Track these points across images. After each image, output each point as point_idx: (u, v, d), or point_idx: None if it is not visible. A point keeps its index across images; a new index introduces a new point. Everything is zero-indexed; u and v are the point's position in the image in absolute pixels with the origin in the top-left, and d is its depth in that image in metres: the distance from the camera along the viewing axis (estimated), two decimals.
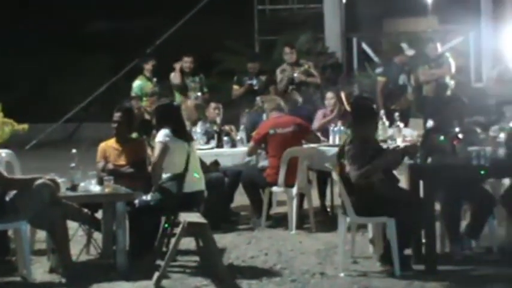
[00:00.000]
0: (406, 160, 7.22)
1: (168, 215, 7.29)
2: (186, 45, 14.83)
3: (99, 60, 20.63)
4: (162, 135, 7.26)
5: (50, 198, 6.60)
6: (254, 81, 11.78)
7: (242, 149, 9.30)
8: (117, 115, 7.84)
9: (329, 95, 10.15)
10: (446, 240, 7.32)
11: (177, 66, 11.92)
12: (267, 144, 8.96)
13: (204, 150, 9.07)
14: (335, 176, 7.07)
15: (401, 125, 9.66)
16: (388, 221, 6.73)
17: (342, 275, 6.80)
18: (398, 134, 9.27)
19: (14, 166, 8.96)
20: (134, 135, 8.45)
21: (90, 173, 7.30)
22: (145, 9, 21.93)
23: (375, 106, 7.56)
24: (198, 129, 9.55)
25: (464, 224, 7.44)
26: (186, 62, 11.85)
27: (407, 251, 6.93)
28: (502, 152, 7.13)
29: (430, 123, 9.34)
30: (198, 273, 7.00)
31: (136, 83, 11.83)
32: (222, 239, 8.06)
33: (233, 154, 9.27)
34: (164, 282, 6.65)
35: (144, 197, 7.17)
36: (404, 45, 12.21)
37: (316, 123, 10.02)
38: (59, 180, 6.89)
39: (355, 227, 7.33)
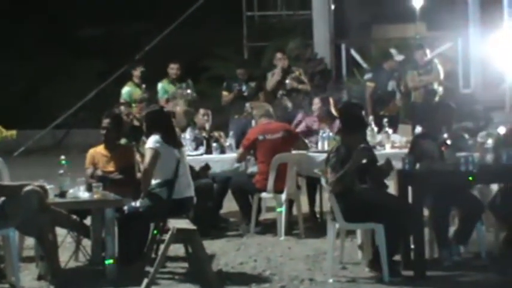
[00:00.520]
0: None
1: (157, 221, 7.29)
2: (175, 52, 14.86)
3: (89, 66, 20.61)
4: (152, 141, 7.25)
5: (38, 205, 6.58)
6: (243, 88, 11.78)
7: (231, 155, 9.30)
8: (106, 121, 7.83)
9: (315, 100, 10.15)
10: (435, 245, 7.33)
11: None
12: (256, 150, 8.96)
13: (193, 156, 9.07)
14: (324, 182, 7.08)
15: (390, 131, 9.69)
16: (377, 227, 6.75)
17: (330, 281, 6.80)
18: (387, 140, 9.28)
19: (2, 173, 8.90)
20: (123, 141, 8.45)
21: (79, 179, 7.29)
22: (135, 15, 21.94)
23: (363, 112, 7.58)
24: (187, 136, 9.54)
25: (452, 229, 7.46)
26: (172, 69, 11.82)
27: (396, 257, 6.94)
28: (489, 157, 7.16)
29: (418, 129, 9.36)
30: (187, 279, 6.99)
31: (126, 89, 11.81)
32: (211, 245, 8.06)
33: (222, 160, 9.26)
34: None
35: (133, 204, 7.17)
36: (393, 51, 12.26)
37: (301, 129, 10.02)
38: (48, 186, 6.87)
39: (344, 233, 7.34)
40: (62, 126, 18.68)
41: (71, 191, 7.07)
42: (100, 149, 7.87)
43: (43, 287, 6.80)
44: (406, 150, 8.24)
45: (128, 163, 7.79)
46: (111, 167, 7.75)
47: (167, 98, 11.62)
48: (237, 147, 9.39)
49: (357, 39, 18.09)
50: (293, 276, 7.03)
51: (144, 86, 11.87)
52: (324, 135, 9.34)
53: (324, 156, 7.86)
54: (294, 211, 9.07)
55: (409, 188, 7.07)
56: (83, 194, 7.06)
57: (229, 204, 9.51)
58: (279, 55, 11.96)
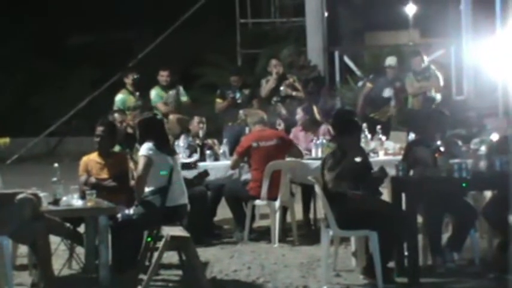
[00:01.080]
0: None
1: (150, 228, 7.28)
2: (169, 59, 14.86)
3: (82, 74, 20.60)
4: (145, 149, 7.25)
5: (32, 212, 6.57)
6: (237, 95, 11.78)
7: (225, 162, 9.29)
8: (99, 129, 7.83)
9: (297, 111, 10.15)
10: (428, 252, 7.34)
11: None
12: (249, 157, 8.96)
13: (186, 164, 9.05)
14: (317, 189, 7.08)
15: (384, 138, 9.70)
16: (371, 234, 6.75)
17: None
18: (381, 147, 9.30)
19: None
20: (117, 148, 8.44)
21: (73, 187, 7.27)
22: (129, 23, 21.95)
23: (357, 119, 7.60)
24: (180, 143, 9.54)
25: (446, 236, 7.47)
26: (162, 76, 11.81)
27: (390, 264, 6.94)
28: (483, 164, 7.17)
29: (412, 136, 9.37)
30: (180, 287, 6.99)
31: (119, 97, 11.79)
32: (204, 253, 8.05)
33: (216, 168, 9.26)
34: None
35: (126, 211, 7.16)
36: (390, 60, 12.30)
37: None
38: (41, 194, 6.86)
39: (338, 240, 7.34)
40: (55, 133, 18.65)
41: (64, 198, 7.06)
42: (94, 157, 7.86)
43: None
44: (399, 157, 8.26)
45: (122, 171, 7.78)
46: (104, 175, 7.75)
47: (164, 102, 11.63)
48: (231, 154, 9.38)
49: (350, 46, 18.13)
50: (287, 283, 7.03)
51: (137, 93, 11.86)
52: (318, 142, 9.35)
53: (318, 163, 7.88)
54: (288, 218, 9.07)
55: (403, 195, 7.08)
56: (77, 202, 7.05)
57: (223, 212, 9.50)
58: (274, 62, 11.97)
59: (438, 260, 7.22)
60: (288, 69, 13.88)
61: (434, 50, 16.88)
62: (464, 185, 6.97)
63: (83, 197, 7.11)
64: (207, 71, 18.19)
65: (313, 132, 9.67)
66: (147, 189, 7.24)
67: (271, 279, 7.18)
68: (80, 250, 7.36)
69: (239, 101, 11.75)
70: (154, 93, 11.76)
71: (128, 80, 11.77)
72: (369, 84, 12.29)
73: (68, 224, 7.08)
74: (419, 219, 7.28)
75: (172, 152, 7.49)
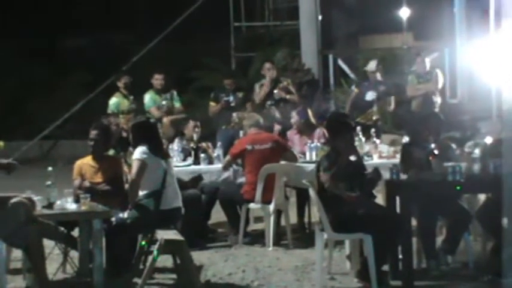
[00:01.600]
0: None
1: (145, 232, 7.27)
2: (163, 62, 14.84)
3: (76, 77, 20.56)
4: (139, 152, 7.25)
5: (25, 216, 6.55)
6: (231, 98, 11.79)
7: (219, 166, 9.29)
8: (93, 133, 7.82)
9: (292, 114, 10.16)
10: (422, 255, 7.35)
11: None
12: (244, 160, 8.96)
13: (181, 167, 9.06)
14: (312, 192, 7.08)
15: (378, 141, 9.71)
16: (365, 237, 6.75)
17: None
18: (375, 150, 9.31)
19: None
20: (111, 152, 8.43)
21: (67, 190, 7.26)
22: (123, 26, 21.94)
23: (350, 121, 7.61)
24: (175, 147, 9.55)
25: (440, 239, 7.48)
26: (157, 79, 11.80)
27: (385, 267, 6.95)
28: (477, 167, 7.18)
29: (406, 138, 9.38)
30: None
31: (113, 100, 11.79)
32: (199, 256, 8.05)
33: (210, 171, 9.27)
34: None
35: (120, 215, 7.15)
36: (371, 63, 12.32)
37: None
38: (35, 198, 6.84)
39: (332, 243, 7.35)
40: (49, 137, 18.58)
41: (58, 202, 7.04)
42: (88, 160, 7.85)
43: None
44: (393, 160, 8.28)
45: (116, 174, 7.77)
46: (98, 178, 7.74)
47: (157, 106, 11.63)
48: (225, 157, 9.38)
49: (344, 49, 18.14)
50: (281, 286, 7.04)
51: (131, 97, 11.86)
52: (312, 145, 9.35)
53: (312, 166, 7.88)
54: (282, 221, 9.07)
55: (397, 198, 7.08)
56: (71, 206, 7.04)
57: (217, 215, 9.50)
58: (267, 65, 11.97)
59: (432, 263, 7.23)
60: (282, 72, 13.90)
61: (428, 53, 16.90)
62: (458, 188, 6.98)
63: (77, 200, 7.10)
64: (201, 75, 18.18)
65: (308, 136, 9.68)
66: (141, 193, 7.24)
67: (265, 283, 7.18)
68: (74, 254, 7.35)
69: (233, 104, 11.76)
70: (148, 97, 11.76)
71: (121, 84, 11.78)
72: (355, 89, 12.34)
73: (62, 228, 7.07)
74: (414, 222, 7.28)
75: (166, 156, 7.49)
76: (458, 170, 6.88)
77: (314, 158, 9.11)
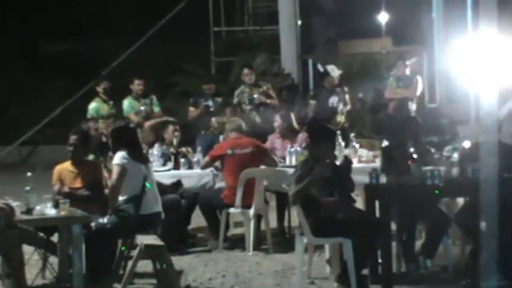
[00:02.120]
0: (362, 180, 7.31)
1: (124, 237, 7.26)
2: (143, 67, 14.82)
3: (55, 83, 20.49)
4: (119, 157, 7.24)
5: (4, 222, 6.53)
6: (210, 103, 11.80)
7: (199, 170, 9.29)
8: (73, 138, 7.80)
9: (276, 117, 10.17)
10: (402, 259, 7.38)
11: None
12: (224, 165, 8.96)
13: (161, 172, 9.05)
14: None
15: (357, 145, 9.74)
16: (345, 241, 6.77)
17: None
18: (354, 155, 9.34)
19: None
20: (90, 157, 8.41)
21: (46, 196, 7.24)
22: (102, 31, 21.89)
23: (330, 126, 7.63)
24: (154, 151, 9.53)
25: (419, 243, 7.51)
26: (139, 85, 11.79)
27: (364, 271, 6.96)
28: (455, 171, 7.22)
29: (385, 142, 9.42)
30: None
31: (93, 105, 11.76)
32: (179, 261, 8.03)
33: (190, 176, 9.26)
34: None
35: (100, 220, 7.13)
36: (329, 68, 12.31)
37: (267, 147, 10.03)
38: (14, 204, 6.81)
39: (312, 247, 7.36)
40: (28, 142, 18.50)
41: (37, 207, 7.01)
42: (67, 165, 7.82)
43: None
44: (373, 165, 8.31)
45: (95, 179, 7.75)
46: (78, 184, 7.71)
47: (135, 112, 11.61)
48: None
49: (323, 54, 18.21)
50: None
51: (111, 101, 11.84)
52: (292, 150, 9.37)
53: (292, 171, 7.90)
54: (262, 226, 9.08)
55: (377, 202, 7.11)
56: (50, 211, 7.01)
57: (197, 220, 9.50)
58: (246, 71, 11.99)
59: (411, 267, 7.26)
60: (261, 77, 13.92)
61: (407, 57, 16.99)
62: (437, 192, 7.01)
63: (56, 206, 7.07)
64: (181, 79, 18.17)
65: (291, 140, 9.67)
66: (120, 198, 7.23)
67: (245, 287, 7.18)
68: (54, 259, 7.32)
69: (212, 109, 11.77)
70: (126, 103, 11.74)
71: (100, 89, 11.75)
72: (312, 102, 12.19)
73: (41, 234, 7.04)
74: (393, 226, 7.32)
75: (145, 161, 7.48)
76: (437, 174, 6.91)
77: (294, 162, 9.13)
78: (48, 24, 21.74)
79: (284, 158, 9.43)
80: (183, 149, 9.65)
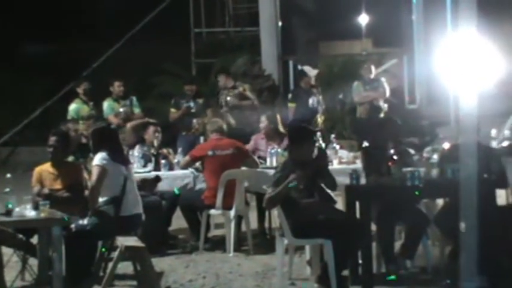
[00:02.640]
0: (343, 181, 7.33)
1: (105, 239, 7.24)
2: (124, 68, 14.77)
3: (35, 84, 20.39)
4: (99, 158, 7.22)
5: None
6: (191, 104, 11.80)
7: (180, 172, 9.28)
8: (52, 139, 7.77)
9: (262, 119, 10.19)
10: (382, 260, 7.40)
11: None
12: (204, 166, 8.96)
13: (141, 173, 9.04)
14: None
15: (338, 146, 9.76)
16: (325, 242, 6.78)
17: None
18: (335, 156, 9.36)
19: None
20: (70, 158, 8.38)
21: (25, 197, 7.20)
22: (82, 32, 21.80)
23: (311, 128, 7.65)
24: (135, 153, 9.51)
25: (399, 244, 7.54)
26: (119, 86, 11.77)
27: (345, 272, 6.98)
28: (435, 172, 7.26)
29: (366, 144, 9.45)
30: None
31: (73, 106, 11.73)
32: (159, 263, 8.02)
33: (171, 177, 9.25)
34: None
35: (80, 221, 7.11)
36: (306, 68, 12.35)
37: (250, 147, 10.04)
38: None
39: (292, 248, 7.37)
40: (7, 143, 18.41)
41: (17, 209, 6.97)
42: (47, 167, 7.79)
43: None
44: (353, 166, 8.34)
45: (75, 181, 7.72)
46: (58, 185, 7.68)
47: (115, 114, 11.59)
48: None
49: (304, 55, 18.24)
50: None
51: (91, 103, 11.81)
52: (273, 151, 9.38)
53: (273, 172, 7.90)
54: (243, 227, 9.09)
55: (357, 203, 7.12)
56: (30, 213, 6.97)
57: (178, 221, 9.49)
58: (220, 77, 12.02)
59: (391, 268, 7.28)
60: (242, 78, 13.93)
61: (387, 59, 17.08)
62: (417, 193, 7.05)
63: (36, 207, 7.03)
64: (162, 81, 18.14)
65: (276, 142, 9.66)
66: (101, 199, 7.21)
67: None
68: (33, 261, 7.28)
69: (193, 111, 11.77)
70: (106, 105, 11.73)
71: (80, 90, 11.73)
72: (291, 105, 12.18)
73: (20, 235, 7.01)
74: (373, 227, 7.34)
75: (126, 162, 7.46)
76: (417, 175, 6.94)
77: (275, 163, 9.14)
78: (29, 25, 21.63)
79: (264, 159, 9.44)
80: (164, 150, 9.64)
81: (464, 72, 5.62)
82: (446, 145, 8.45)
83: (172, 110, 11.94)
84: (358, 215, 7.08)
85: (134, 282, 7.26)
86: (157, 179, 8.91)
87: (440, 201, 7.89)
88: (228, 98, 11.76)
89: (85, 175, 7.97)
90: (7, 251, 7.17)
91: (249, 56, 16.70)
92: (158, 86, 18.16)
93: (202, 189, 8.98)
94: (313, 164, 7.06)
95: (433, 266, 7.46)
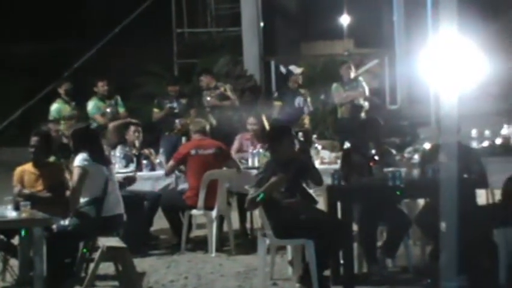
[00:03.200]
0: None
1: (86, 239, 7.22)
2: (106, 68, 14.76)
3: (17, 84, 20.30)
4: (80, 159, 7.20)
5: None
6: (174, 105, 11.80)
7: (161, 172, 9.27)
8: (34, 139, 7.74)
9: (250, 120, 10.20)
10: (363, 260, 7.43)
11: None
12: (186, 165, 8.95)
13: (123, 173, 9.02)
14: None
15: (320, 146, 9.79)
16: (307, 242, 6.80)
17: None
18: (317, 156, 9.39)
19: None
20: (52, 159, 8.35)
21: (6, 198, 7.17)
22: (64, 32, 21.72)
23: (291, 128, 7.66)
24: (117, 153, 9.50)
25: (380, 244, 7.57)
26: (103, 86, 11.77)
27: (326, 272, 7.00)
28: (416, 172, 7.29)
29: (347, 144, 9.48)
30: None
31: (54, 106, 11.71)
32: (141, 263, 8.01)
33: (152, 178, 9.24)
34: None
35: (62, 222, 7.09)
36: (292, 67, 12.38)
37: (234, 146, 10.06)
38: None
39: (274, 249, 7.38)
40: None
41: None
42: (28, 167, 7.76)
43: None
44: (335, 166, 8.36)
45: (57, 181, 7.70)
46: (39, 186, 7.65)
47: (102, 114, 11.59)
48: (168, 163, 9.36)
49: (286, 55, 18.26)
50: None
51: (73, 103, 11.78)
52: (255, 151, 9.40)
53: (254, 172, 7.92)
54: (225, 228, 9.09)
55: (339, 204, 7.14)
56: (11, 213, 6.94)
57: (160, 222, 9.48)
58: (203, 78, 12.02)
59: (373, 268, 7.30)
60: (224, 78, 13.93)
61: (368, 60, 17.13)
62: (398, 193, 7.07)
63: (17, 208, 7.01)
64: (145, 81, 18.11)
65: (260, 142, 9.67)
66: (82, 200, 7.19)
67: None
68: (14, 262, 7.26)
69: (176, 111, 11.77)
70: (91, 104, 11.71)
71: (62, 90, 11.71)
72: (276, 103, 12.21)
73: (1, 236, 6.98)
74: (355, 227, 7.36)
75: (107, 162, 7.45)
76: (398, 175, 6.96)
77: (256, 163, 9.16)
78: (9, 25, 21.53)
79: (246, 160, 9.46)
80: (146, 151, 9.62)
81: (445, 72, 5.64)
82: (427, 145, 8.49)
83: (156, 110, 11.94)
84: (339, 215, 7.11)
85: (116, 283, 7.25)
86: (133, 178, 8.85)
87: (421, 201, 7.92)
88: (208, 98, 11.77)
89: (67, 175, 7.95)
90: None
91: (231, 57, 16.70)
92: (141, 86, 18.12)
93: (184, 189, 8.97)
94: (296, 163, 7.08)
95: (414, 265, 7.48)
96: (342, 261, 7.00)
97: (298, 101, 11.93)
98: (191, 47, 18.93)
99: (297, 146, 7.30)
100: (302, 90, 12.03)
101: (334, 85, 12.29)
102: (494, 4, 15.98)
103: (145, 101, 15.41)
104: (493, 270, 6.68)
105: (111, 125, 10.90)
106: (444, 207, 5.71)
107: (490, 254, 6.79)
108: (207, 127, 9.30)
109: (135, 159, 9.42)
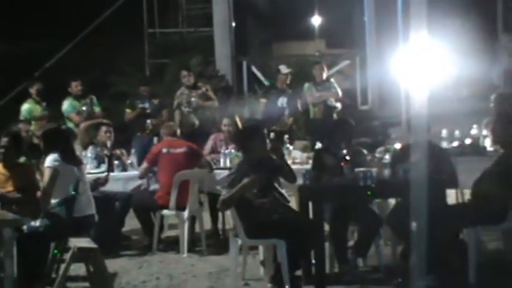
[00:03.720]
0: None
1: (57, 240, 7.18)
2: (78, 68, 14.68)
3: None
4: (50, 160, 7.16)
5: None
6: (146, 105, 11.78)
7: (133, 173, 9.26)
8: (4, 140, 7.69)
9: (225, 121, 10.22)
10: (335, 260, 7.46)
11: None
12: (158, 164, 8.94)
13: (94, 174, 8.98)
14: None
15: (291, 147, 9.81)
16: (278, 242, 6.81)
17: None
18: (289, 156, 9.40)
19: None
20: (22, 159, 8.30)
21: None
22: (35, 32, 21.58)
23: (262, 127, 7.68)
24: (88, 154, 9.46)
25: (352, 243, 7.60)
26: (76, 86, 11.74)
27: (298, 272, 7.02)
28: (387, 172, 7.32)
29: (318, 144, 9.51)
30: None
31: (25, 106, 11.64)
32: (113, 264, 7.99)
33: (124, 178, 9.22)
34: None
35: (32, 223, 7.05)
36: (281, 67, 12.44)
37: (208, 147, 10.08)
38: None
39: (246, 249, 7.39)
40: None
41: None
42: None
43: None
44: (306, 166, 8.38)
45: (27, 182, 7.65)
46: (9, 186, 7.60)
47: (78, 112, 11.57)
48: (139, 165, 9.35)
49: (257, 56, 18.30)
50: None
51: (44, 103, 11.73)
52: (227, 152, 9.41)
53: (226, 173, 7.93)
54: (197, 228, 9.09)
55: (310, 204, 7.16)
56: None
57: (131, 222, 9.46)
58: (184, 73, 11.99)
59: (344, 268, 7.33)
60: (196, 78, 13.91)
61: (340, 60, 17.20)
62: (369, 193, 7.10)
63: None
64: (116, 81, 18.05)
65: (234, 143, 9.67)
66: (53, 201, 7.15)
67: None
68: None
69: (149, 111, 11.75)
70: (67, 103, 11.68)
71: (33, 90, 11.65)
72: (262, 100, 12.32)
73: None
74: (326, 227, 7.39)
75: (78, 163, 7.41)
76: (369, 175, 6.99)
77: (228, 164, 9.17)
78: None
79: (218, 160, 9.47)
80: (117, 151, 9.60)
81: (415, 72, 5.68)
82: (398, 145, 8.54)
83: (128, 110, 11.91)
84: (311, 215, 7.13)
85: (87, 284, 7.21)
86: (106, 179, 8.81)
87: (392, 201, 7.97)
88: (193, 99, 11.75)
89: (37, 176, 7.90)
90: None
91: (203, 57, 16.70)
92: (113, 86, 18.06)
93: (155, 189, 8.96)
94: (268, 163, 7.10)
95: (385, 265, 7.52)
96: (313, 261, 7.01)
97: (282, 101, 12.00)
98: (163, 47, 18.89)
99: (269, 145, 7.33)
100: (289, 90, 12.12)
101: (307, 85, 12.33)
102: (465, 5, 16.12)
103: (117, 101, 15.36)
104: (462, 270, 6.73)
105: (82, 125, 10.87)
106: (414, 207, 5.74)
107: (459, 253, 6.85)
108: (178, 131, 9.31)
109: (106, 159, 9.39)
